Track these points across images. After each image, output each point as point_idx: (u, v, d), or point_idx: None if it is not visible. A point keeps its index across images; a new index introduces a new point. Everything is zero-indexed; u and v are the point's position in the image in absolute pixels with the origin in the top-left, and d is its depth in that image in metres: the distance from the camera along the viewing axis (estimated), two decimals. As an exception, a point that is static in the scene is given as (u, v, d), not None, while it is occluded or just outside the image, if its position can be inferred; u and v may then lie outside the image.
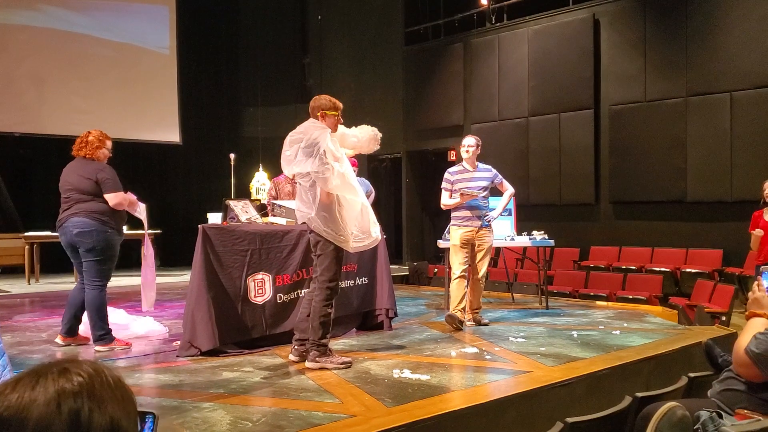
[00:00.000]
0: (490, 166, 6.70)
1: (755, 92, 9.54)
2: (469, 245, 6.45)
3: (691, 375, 3.12)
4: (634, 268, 10.20)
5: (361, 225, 4.75)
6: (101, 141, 5.45)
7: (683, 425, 2.27)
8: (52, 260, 10.67)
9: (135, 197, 5.56)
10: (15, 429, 0.94)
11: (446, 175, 6.62)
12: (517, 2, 12.40)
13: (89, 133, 5.49)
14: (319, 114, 4.77)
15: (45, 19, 12.86)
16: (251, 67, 15.68)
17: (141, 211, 5.70)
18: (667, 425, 2.24)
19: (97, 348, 5.31)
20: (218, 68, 15.62)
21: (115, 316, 5.92)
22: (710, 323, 6.98)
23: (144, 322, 6.09)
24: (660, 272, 9.76)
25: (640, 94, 10.74)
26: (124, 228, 5.65)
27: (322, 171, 4.48)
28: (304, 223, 4.80)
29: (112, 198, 5.25)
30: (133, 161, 14.36)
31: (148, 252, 6.16)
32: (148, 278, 6.08)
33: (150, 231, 11.79)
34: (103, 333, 5.30)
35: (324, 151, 4.50)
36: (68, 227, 5.25)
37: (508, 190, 6.72)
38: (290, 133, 4.72)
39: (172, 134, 14.31)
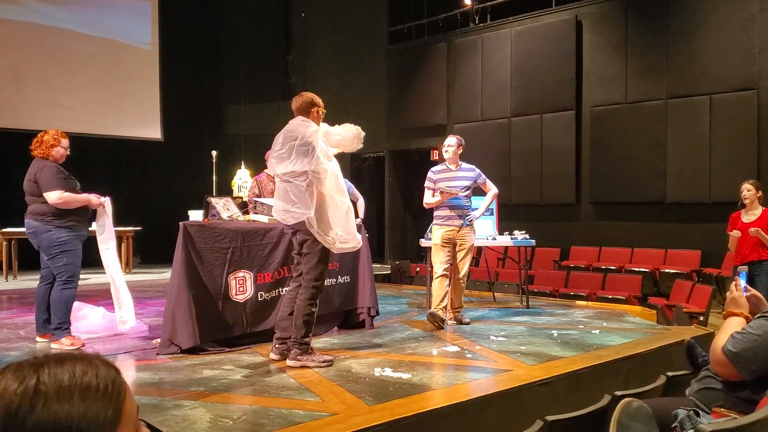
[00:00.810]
0: (473, 166, 6.71)
1: (734, 95, 9.65)
2: (451, 244, 6.47)
3: (670, 374, 3.15)
4: (613, 268, 10.28)
5: (346, 226, 4.75)
6: (56, 139, 5.41)
7: (640, 414, 2.35)
8: (31, 257, 10.55)
9: (94, 199, 5.46)
10: None
11: (429, 174, 6.63)
12: (501, 3, 12.45)
13: (45, 132, 5.47)
14: (313, 110, 4.78)
15: (25, 13, 12.72)
16: (234, 64, 15.61)
17: (105, 215, 5.57)
18: (626, 415, 2.32)
19: (53, 345, 5.28)
20: (201, 64, 15.53)
21: (95, 314, 5.87)
22: (688, 323, 7.05)
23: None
24: (639, 272, 9.84)
25: (621, 95, 10.82)
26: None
27: (318, 171, 4.51)
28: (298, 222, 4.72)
29: (48, 197, 5.20)
30: (114, 157, 14.27)
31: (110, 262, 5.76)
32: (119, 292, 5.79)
33: (130, 228, 11.79)
34: (57, 325, 5.27)
35: (319, 150, 4.52)
36: (25, 229, 5.38)
37: (492, 190, 6.74)
38: (283, 131, 4.73)
39: (153, 131, 14.21)
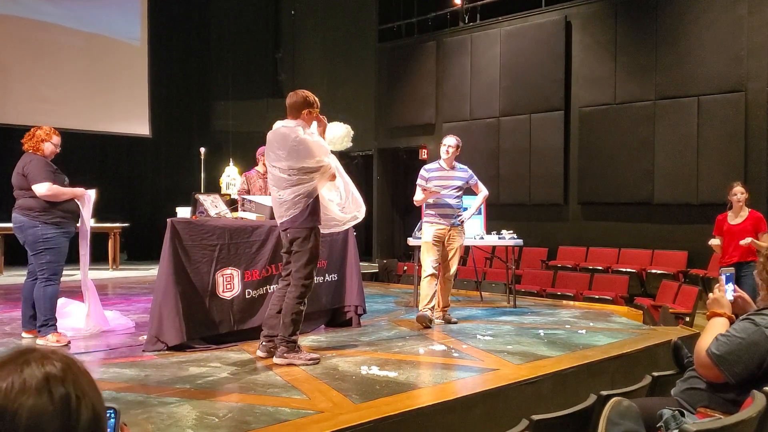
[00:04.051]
0: (466, 167, 6.72)
1: (722, 97, 9.70)
2: (441, 243, 6.47)
3: (655, 374, 3.16)
4: (600, 268, 10.31)
5: (344, 205, 5.00)
6: (48, 135, 5.40)
7: (630, 413, 2.37)
8: (17, 253, 10.49)
9: (80, 191, 5.43)
10: (8, 423, 0.91)
11: (422, 172, 6.63)
12: (490, 2, 12.46)
13: (39, 127, 5.46)
14: (305, 111, 4.75)
15: (12, 7, 12.60)
16: (223, 61, 15.55)
17: (88, 202, 5.53)
18: (616, 414, 2.33)
19: (38, 341, 5.25)
20: (190, 61, 15.44)
21: (81, 310, 5.83)
22: (674, 324, 7.08)
23: (110, 316, 6.01)
24: (626, 273, 9.88)
25: (609, 96, 10.86)
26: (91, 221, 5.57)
27: (317, 168, 4.63)
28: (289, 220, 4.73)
29: (37, 189, 5.17)
30: (102, 153, 14.18)
31: (84, 251, 5.69)
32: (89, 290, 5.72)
33: (117, 225, 11.73)
34: (42, 322, 5.24)
35: (308, 150, 4.59)
36: (12, 224, 5.35)
37: (482, 192, 6.75)
38: (282, 127, 4.72)
39: (141, 127, 14.12)
